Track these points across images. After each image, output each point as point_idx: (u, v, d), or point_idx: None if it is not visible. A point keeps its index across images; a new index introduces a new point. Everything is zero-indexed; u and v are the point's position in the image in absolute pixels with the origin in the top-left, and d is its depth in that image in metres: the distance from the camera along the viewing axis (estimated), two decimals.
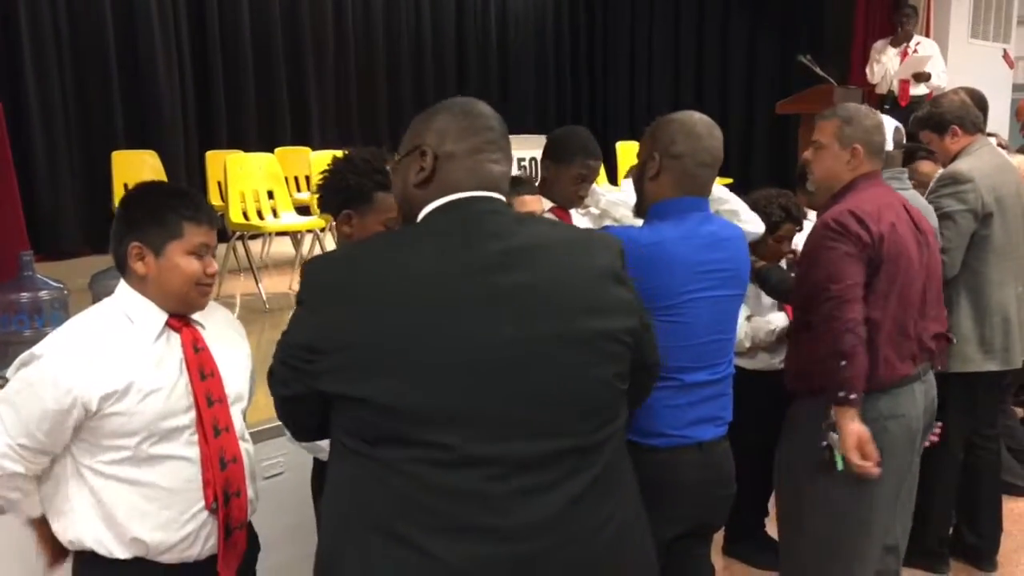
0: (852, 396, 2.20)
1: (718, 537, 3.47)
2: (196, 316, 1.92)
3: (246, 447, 1.97)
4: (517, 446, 1.39)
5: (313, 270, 1.50)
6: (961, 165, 3.14)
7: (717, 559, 3.46)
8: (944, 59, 8.26)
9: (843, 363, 2.19)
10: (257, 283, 5.24)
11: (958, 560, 3.45)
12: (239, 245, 5.60)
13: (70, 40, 7.03)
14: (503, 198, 1.52)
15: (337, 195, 2.11)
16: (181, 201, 1.85)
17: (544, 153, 2.88)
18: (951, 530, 3.50)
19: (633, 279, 1.62)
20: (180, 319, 1.87)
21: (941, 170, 3.29)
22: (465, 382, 1.38)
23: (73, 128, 7.08)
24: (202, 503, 1.84)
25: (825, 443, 2.26)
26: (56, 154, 6.92)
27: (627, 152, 8.49)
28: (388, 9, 9.66)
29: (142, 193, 1.93)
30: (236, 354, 1.98)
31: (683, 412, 2.04)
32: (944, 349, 2.45)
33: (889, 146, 2.91)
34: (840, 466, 2.25)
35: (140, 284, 1.84)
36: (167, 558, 1.84)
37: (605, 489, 1.47)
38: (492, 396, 1.39)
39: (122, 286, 1.87)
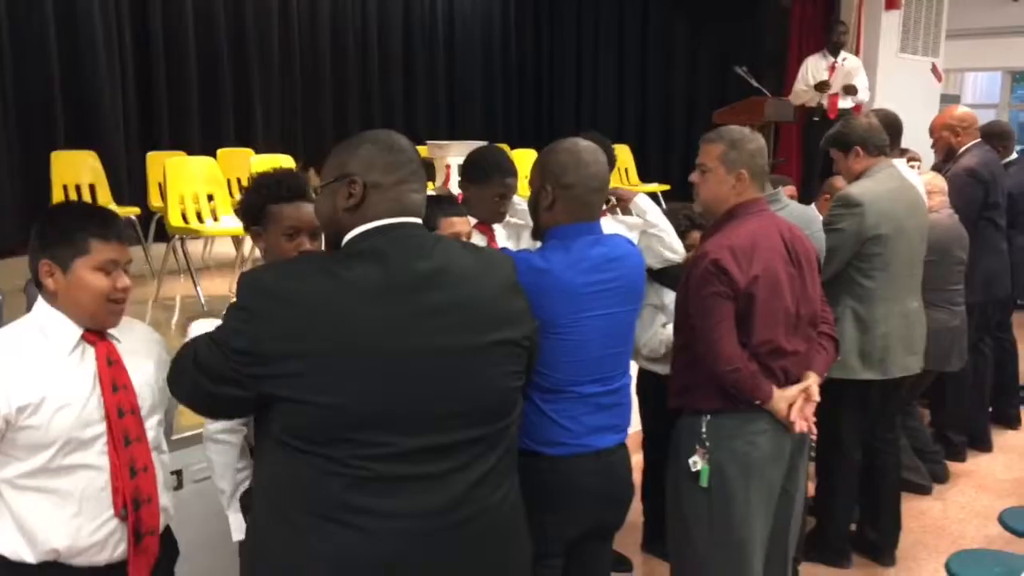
0: (764, 399, 2.39)
1: (637, 535, 3.64)
2: (114, 331, 2.00)
3: (161, 457, 2.06)
4: (439, 438, 1.63)
5: (254, 281, 1.62)
6: (854, 189, 3.35)
7: (636, 556, 3.65)
8: (875, 73, 8.58)
9: (737, 391, 2.38)
10: (195, 285, 5.29)
11: (861, 555, 3.66)
12: (179, 247, 5.62)
13: (10, 38, 6.96)
14: (420, 222, 1.72)
15: (244, 216, 2.28)
16: (90, 219, 1.92)
17: (462, 175, 2.99)
18: (854, 527, 3.71)
19: (528, 300, 1.88)
20: (96, 333, 1.96)
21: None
22: (399, 387, 1.59)
23: (12, 127, 7.01)
24: (112, 510, 1.93)
25: (693, 459, 2.43)
26: None
27: None
28: (334, 12, 9.66)
29: (53, 212, 2.03)
30: (153, 368, 2.05)
31: (580, 422, 2.18)
32: (824, 359, 2.59)
33: None
34: (704, 483, 2.42)
35: (53, 300, 1.92)
36: (78, 562, 1.92)
37: (506, 468, 1.77)
38: (421, 398, 1.61)
39: (39, 301, 1.95)
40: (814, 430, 2.48)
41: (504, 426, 1.75)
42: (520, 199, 3.17)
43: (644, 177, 8.98)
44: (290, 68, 9.20)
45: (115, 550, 1.95)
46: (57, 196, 6.14)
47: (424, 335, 1.61)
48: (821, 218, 3.28)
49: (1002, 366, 5.06)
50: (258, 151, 7.63)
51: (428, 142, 6.70)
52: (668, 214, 3.14)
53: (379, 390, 1.57)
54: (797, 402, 2.43)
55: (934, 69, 9.64)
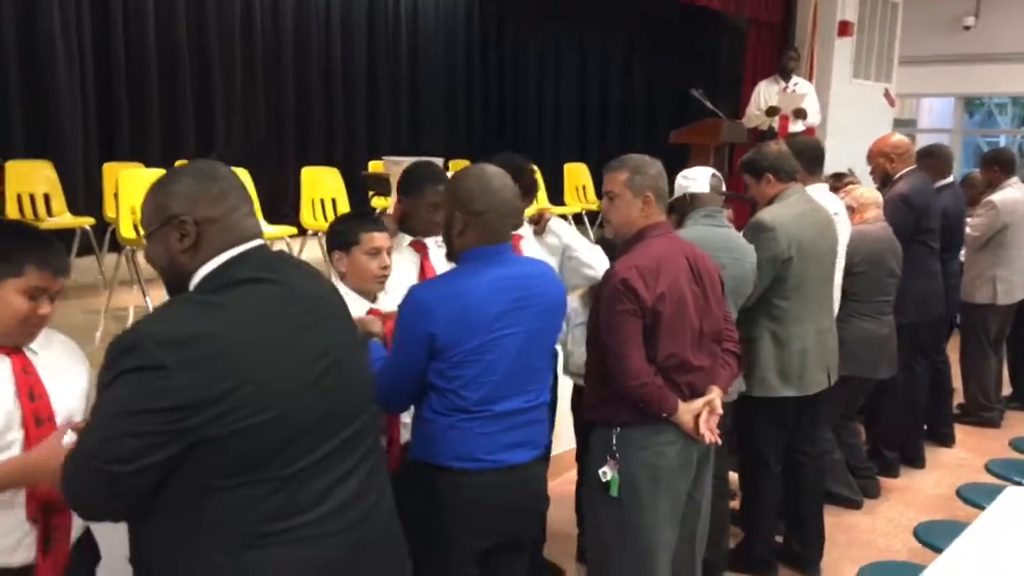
0: (670, 412, 2.50)
1: (571, 546, 3.72)
2: (33, 344, 2.02)
3: None
4: (345, 434, 1.70)
5: (149, 338, 1.52)
6: (765, 215, 3.46)
7: (571, 565, 3.71)
8: (827, 97, 8.79)
9: (645, 405, 2.49)
10: (145, 296, 5.32)
11: (788, 567, 3.76)
12: (131, 258, 5.65)
13: None
14: (264, 241, 1.74)
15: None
16: (32, 245, 1.96)
17: (398, 190, 3.07)
18: (781, 539, 3.82)
19: (438, 327, 2.13)
20: (11, 348, 1.98)
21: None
22: (316, 391, 1.65)
23: None
24: (24, 514, 1.96)
25: (603, 469, 2.53)
26: None
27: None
28: (298, 26, 9.72)
29: (2, 229, 2.06)
30: (70, 379, 2.09)
31: (494, 439, 2.25)
32: (727, 375, 2.71)
33: (705, 188, 3.23)
34: (615, 492, 2.52)
35: None
36: None
37: (381, 456, 1.87)
38: (332, 398, 1.68)
39: None
40: (719, 440, 2.57)
41: (378, 418, 1.93)
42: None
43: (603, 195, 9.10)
44: (253, 81, 9.24)
45: (29, 552, 1.98)
46: (11, 206, 6.17)
47: (322, 339, 1.69)
48: (751, 247, 3.36)
49: (937, 386, 5.20)
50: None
51: (384, 158, 6.80)
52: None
53: (303, 400, 1.63)
54: (703, 414, 2.53)
55: (887, 94, 9.88)
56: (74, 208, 6.74)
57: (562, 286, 2.47)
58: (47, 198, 6.38)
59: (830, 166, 8.19)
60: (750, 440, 3.67)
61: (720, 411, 2.59)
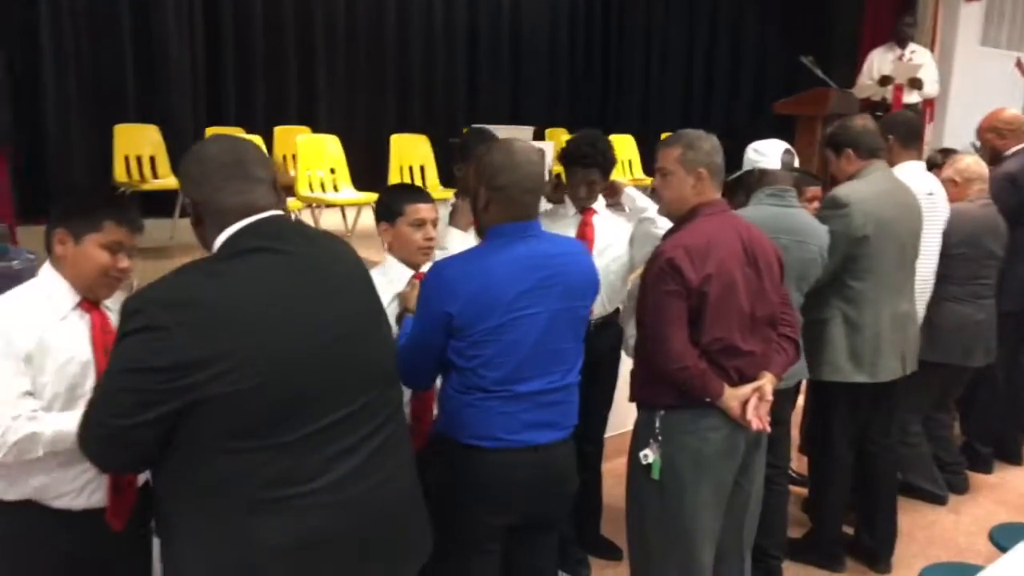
0: (714, 397, 2.41)
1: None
2: (111, 303, 2.16)
3: None
4: (350, 407, 1.72)
5: (151, 301, 1.62)
6: (842, 190, 3.28)
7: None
8: (950, 66, 8.25)
9: (687, 389, 2.40)
10: None
11: (857, 561, 3.60)
12: None
13: (87, 16, 7.33)
14: (277, 212, 1.77)
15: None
16: (109, 202, 2.15)
17: (457, 159, 3.07)
18: (853, 531, 3.65)
19: (456, 305, 2.13)
20: (92, 303, 2.12)
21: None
22: (316, 360, 1.68)
23: (87, 100, 7.39)
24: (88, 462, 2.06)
25: (644, 452, 2.47)
26: (68, 124, 7.26)
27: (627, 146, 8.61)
28: (400, 3, 9.74)
29: (80, 190, 2.22)
30: None
31: (515, 418, 2.22)
32: (782, 360, 2.58)
33: (776, 164, 3.07)
34: (656, 475, 2.45)
35: (59, 265, 2.09)
36: (57, 504, 2.07)
37: (402, 434, 1.90)
38: (335, 368, 1.71)
39: (45, 266, 2.12)
40: (768, 428, 2.46)
41: (396, 387, 1.91)
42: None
43: None
44: (354, 50, 9.36)
45: (91, 496, 2.09)
46: (119, 167, 6.47)
47: (328, 308, 1.73)
48: (822, 230, 3.19)
49: None
50: (318, 130, 7.84)
51: (473, 126, 6.77)
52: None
53: (302, 366, 1.66)
54: (751, 400, 2.42)
55: (1018, 64, 9.21)
56: (177, 171, 6.99)
57: (593, 265, 2.41)
58: (153, 160, 6.66)
59: (951, 139, 7.86)
60: (820, 427, 3.52)
61: (770, 398, 2.48)
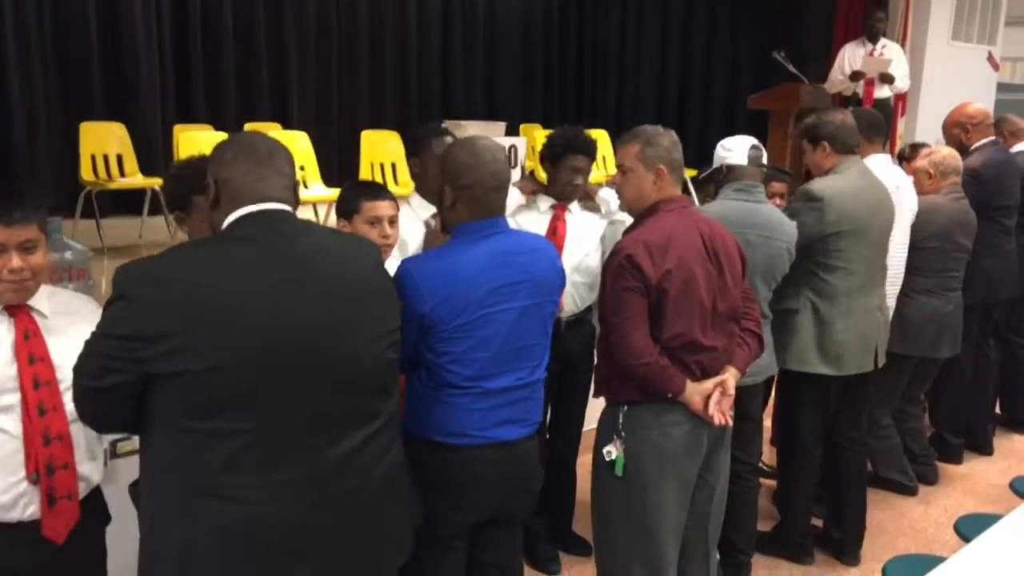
0: (676, 392, 2.40)
1: None
2: (43, 305, 2.06)
3: (84, 428, 2.08)
4: (316, 407, 1.71)
5: (128, 271, 1.69)
6: (817, 184, 3.28)
7: None
8: (921, 61, 8.29)
9: (648, 384, 2.39)
10: None
11: (825, 553, 3.60)
12: None
13: (52, 12, 7.23)
14: (286, 207, 1.80)
15: (173, 205, 2.47)
16: None
17: (408, 154, 3.11)
18: (821, 523, 3.66)
19: (427, 304, 2.11)
20: (16, 307, 2.02)
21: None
22: (276, 356, 1.67)
23: (52, 98, 7.30)
24: (23, 474, 2.01)
25: (607, 448, 2.45)
26: (34, 123, 7.17)
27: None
28: None
29: None
30: (80, 340, 2.07)
31: (485, 415, 2.21)
32: (745, 355, 2.57)
33: (743, 160, 3.06)
34: (619, 471, 2.44)
35: None
36: None
37: (387, 442, 1.86)
38: (298, 367, 1.69)
39: None
40: (730, 422, 2.45)
41: (381, 398, 1.83)
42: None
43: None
44: (327, 46, 9.27)
45: (25, 510, 2.02)
46: (85, 165, 6.39)
47: (299, 306, 1.70)
48: (789, 225, 3.18)
49: (1013, 369, 4.89)
50: (291, 127, 7.78)
51: (446, 121, 6.73)
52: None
53: (257, 358, 1.64)
54: (714, 395, 2.41)
55: (990, 58, 9.28)
56: (150, 169, 6.91)
57: (559, 262, 2.40)
58: (120, 158, 6.57)
59: (923, 133, 7.90)
60: (789, 420, 3.53)
61: (732, 392, 2.48)
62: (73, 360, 2.00)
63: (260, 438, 1.66)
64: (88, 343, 1.71)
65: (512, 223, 3.09)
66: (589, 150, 3.25)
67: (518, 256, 2.25)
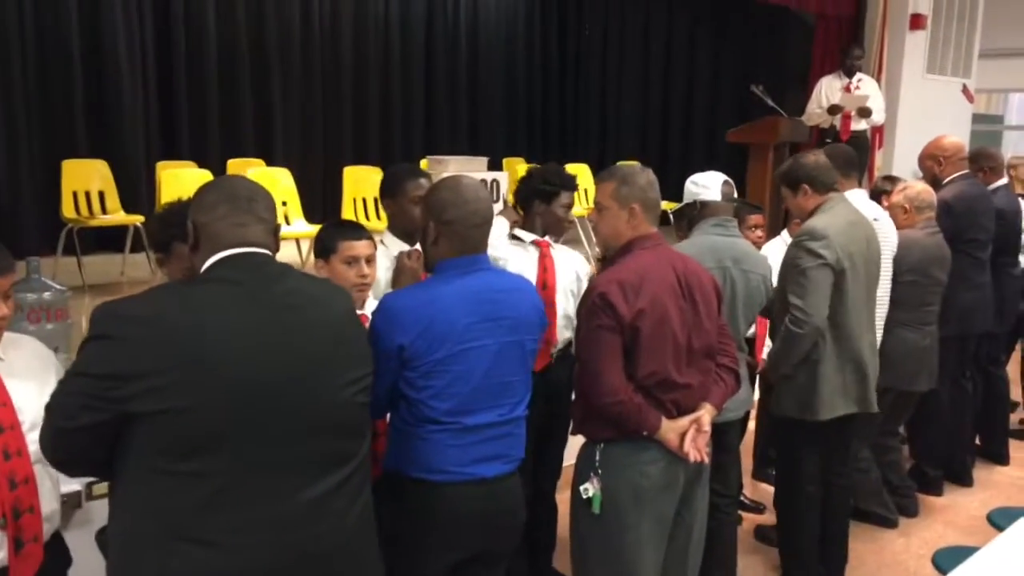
0: (651, 430, 2.40)
1: None
2: (12, 350, 2.08)
3: (48, 469, 2.11)
4: (290, 452, 1.71)
5: (107, 310, 1.70)
6: (816, 223, 3.27)
7: None
8: (897, 93, 8.42)
9: (623, 422, 2.40)
10: None
11: None
12: None
13: (36, 49, 7.25)
14: (265, 251, 1.83)
15: (155, 247, 2.48)
16: None
17: (380, 194, 3.12)
18: None
19: (406, 337, 2.12)
20: None
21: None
22: (251, 399, 1.67)
23: (34, 135, 7.30)
24: None
25: (585, 486, 2.45)
26: (16, 160, 7.17)
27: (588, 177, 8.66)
28: (356, 26, 9.76)
29: None
30: (40, 383, 2.11)
31: (465, 451, 2.22)
32: (721, 391, 2.58)
33: (717, 196, 3.10)
34: (596, 509, 2.44)
35: None
36: None
37: (358, 485, 1.85)
38: (272, 411, 1.69)
39: None
40: (705, 459, 2.46)
41: (354, 441, 1.84)
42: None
43: (663, 195, 8.86)
44: (310, 83, 9.35)
45: None
46: (67, 203, 6.39)
47: (276, 349, 1.71)
48: (763, 258, 3.21)
49: (991, 401, 4.93)
50: (274, 164, 7.81)
51: (429, 157, 6.78)
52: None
53: (231, 401, 1.64)
54: (689, 432, 2.42)
55: (965, 90, 9.43)
56: (133, 206, 6.93)
57: (539, 301, 2.42)
58: (102, 196, 6.59)
59: (900, 165, 8.01)
60: (789, 464, 3.51)
61: (708, 429, 2.48)
62: (32, 403, 2.05)
63: (234, 481, 1.66)
64: (63, 383, 1.71)
65: (500, 257, 3.12)
66: (576, 185, 3.32)
67: (498, 293, 2.27)
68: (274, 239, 1.89)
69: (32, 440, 2.06)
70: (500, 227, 3.31)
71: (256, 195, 1.86)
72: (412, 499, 2.22)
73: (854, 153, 3.95)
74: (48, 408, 1.73)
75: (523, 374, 2.34)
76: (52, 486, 2.14)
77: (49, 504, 2.11)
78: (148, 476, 1.65)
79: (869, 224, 3.48)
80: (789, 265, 3.25)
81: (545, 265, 3.26)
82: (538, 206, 3.27)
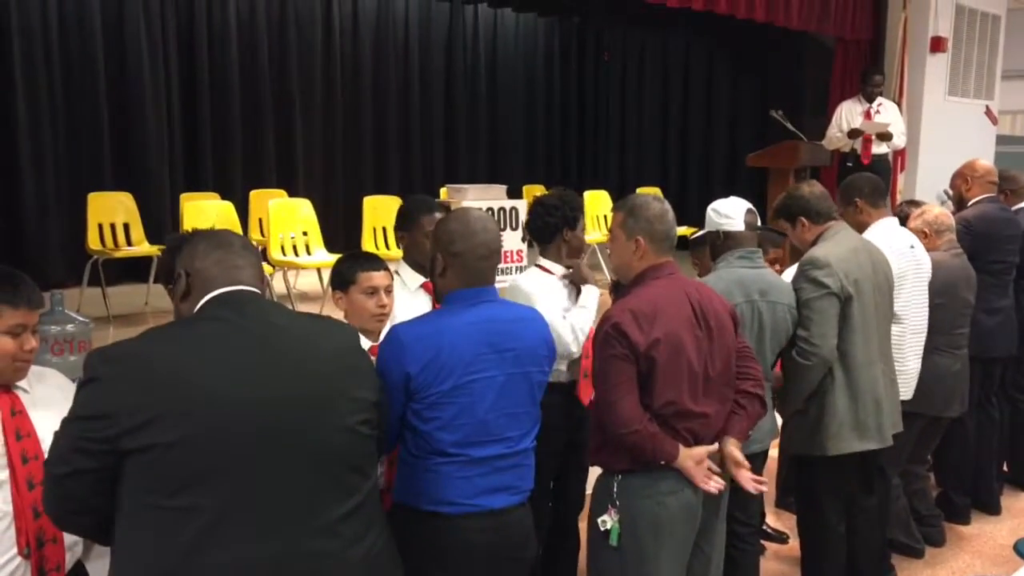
0: (668, 459, 2.39)
1: None
2: (24, 382, 2.12)
3: None
4: (287, 486, 1.69)
5: (99, 354, 1.71)
6: (817, 251, 3.23)
7: None
8: (919, 117, 8.39)
9: (639, 452, 2.38)
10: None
11: None
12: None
13: (63, 83, 7.41)
14: (255, 289, 1.85)
15: (164, 279, 2.50)
16: (1, 285, 2.05)
17: (396, 227, 3.14)
18: None
19: (415, 367, 2.12)
20: (0, 386, 2.07)
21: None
22: (244, 434, 1.66)
23: (62, 167, 7.44)
24: (15, 549, 2.04)
25: (603, 518, 2.43)
26: (45, 194, 7.31)
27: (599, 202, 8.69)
28: (377, 59, 9.87)
29: None
30: (61, 416, 2.14)
31: (472, 483, 2.21)
32: (742, 421, 2.56)
33: (741, 226, 3.07)
34: (615, 541, 2.42)
35: None
36: None
37: (365, 520, 1.81)
38: (266, 446, 1.68)
39: None
40: (722, 488, 2.44)
41: (353, 475, 1.80)
42: None
43: (683, 219, 8.87)
44: (332, 112, 9.43)
45: None
46: (92, 234, 6.48)
47: (268, 384, 1.70)
48: (788, 288, 3.16)
49: (1018, 427, 4.84)
50: (296, 195, 7.89)
51: (447, 185, 6.83)
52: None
53: (217, 438, 1.63)
54: (705, 462, 2.41)
55: (988, 112, 9.38)
56: (157, 237, 7.01)
57: (548, 332, 2.41)
58: (126, 227, 6.68)
59: (922, 188, 7.95)
60: (807, 500, 3.46)
61: (744, 460, 2.49)
62: (51, 432, 2.06)
63: (228, 516, 1.63)
64: (57, 433, 1.70)
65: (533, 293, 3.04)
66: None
67: (506, 324, 2.28)
68: (261, 276, 1.92)
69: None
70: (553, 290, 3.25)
71: (247, 244, 1.93)
72: (420, 531, 2.21)
73: (881, 181, 3.88)
74: (45, 461, 1.74)
75: (530, 406, 2.34)
76: None
77: (72, 535, 2.13)
78: (140, 514, 1.63)
79: (876, 250, 3.42)
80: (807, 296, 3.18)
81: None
82: (566, 233, 3.23)
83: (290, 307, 3.78)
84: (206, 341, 1.71)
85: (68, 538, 2.12)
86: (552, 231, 3.17)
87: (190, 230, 2.44)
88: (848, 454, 3.25)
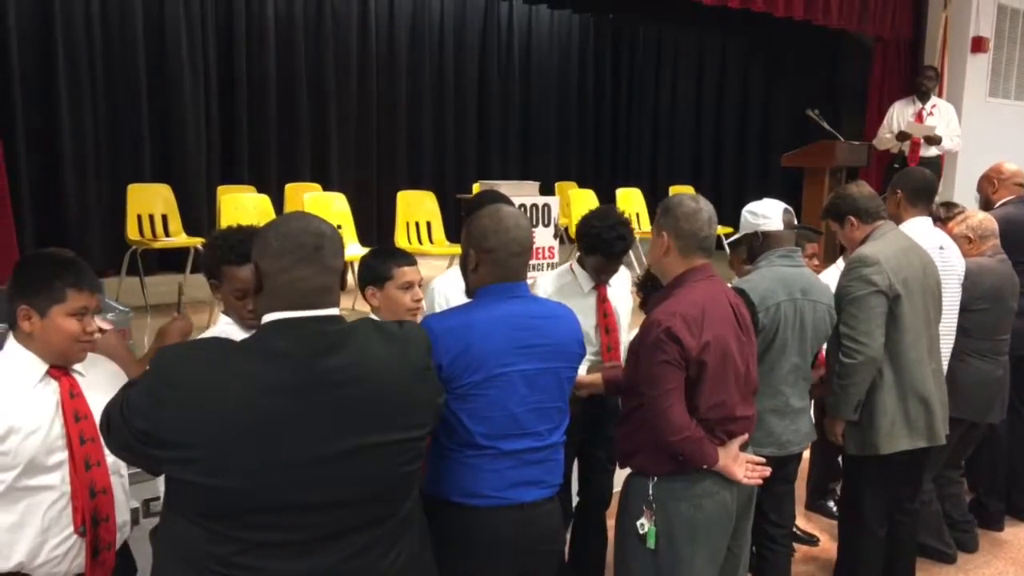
0: (711, 464, 2.39)
1: None
2: (79, 366, 2.19)
3: (121, 480, 2.24)
4: (329, 527, 1.68)
5: (166, 364, 1.66)
6: (866, 249, 3.22)
7: None
8: (959, 119, 8.27)
9: (686, 457, 2.38)
10: None
11: None
12: None
13: (104, 77, 7.56)
14: (325, 313, 1.71)
15: (204, 271, 2.54)
16: (66, 269, 2.13)
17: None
18: None
19: (445, 358, 2.10)
20: (60, 369, 2.15)
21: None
22: (292, 480, 1.63)
23: (103, 160, 7.60)
24: (72, 528, 2.11)
25: (641, 521, 2.43)
26: (86, 185, 7.46)
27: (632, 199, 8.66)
28: (412, 56, 9.93)
29: (33, 261, 2.21)
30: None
31: (503, 476, 2.22)
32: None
33: (779, 226, 3.05)
34: (651, 544, 2.41)
35: (26, 339, 2.12)
36: (42, 572, 2.10)
37: (393, 535, 1.80)
38: (315, 490, 1.65)
39: (10, 339, 2.15)
40: (759, 482, 2.45)
41: (392, 505, 1.78)
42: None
43: (718, 217, 8.84)
44: (367, 109, 9.50)
45: (73, 562, 2.13)
46: (131, 225, 6.59)
47: (321, 433, 1.64)
48: (827, 288, 3.14)
49: None
50: (330, 188, 7.96)
51: (480, 181, 6.85)
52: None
53: (256, 482, 1.61)
54: (742, 457, 2.43)
55: None
56: (194, 229, 7.13)
57: (578, 330, 2.40)
58: (164, 219, 6.79)
59: (961, 190, 7.85)
60: (854, 500, 3.43)
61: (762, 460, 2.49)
62: None
63: (267, 543, 1.64)
64: (117, 408, 1.69)
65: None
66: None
67: (536, 320, 2.28)
68: (342, 281, 1.84)
69: (109, 452, 2.16)
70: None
71: (323, 242, 1.72)
72: (450, 524, 2.22)
73: (930, 181, 3.76)
74: (107, 418, 1.73)
75: (560, 401, 2.34)
76: (125, 498, 2.26)
77: (122, 514, 2.23)
78: (182, 520, 1.66)
79: (924, 251, 3.40)
80: (841, 295, 3.18)
81: (604, 310, 3.26)
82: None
83: None
84: (253, 381, 1.63)
85: (119, 518, 2.19)
86: (594, 246, 3.20)
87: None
88: (898, 453, 3.23)
